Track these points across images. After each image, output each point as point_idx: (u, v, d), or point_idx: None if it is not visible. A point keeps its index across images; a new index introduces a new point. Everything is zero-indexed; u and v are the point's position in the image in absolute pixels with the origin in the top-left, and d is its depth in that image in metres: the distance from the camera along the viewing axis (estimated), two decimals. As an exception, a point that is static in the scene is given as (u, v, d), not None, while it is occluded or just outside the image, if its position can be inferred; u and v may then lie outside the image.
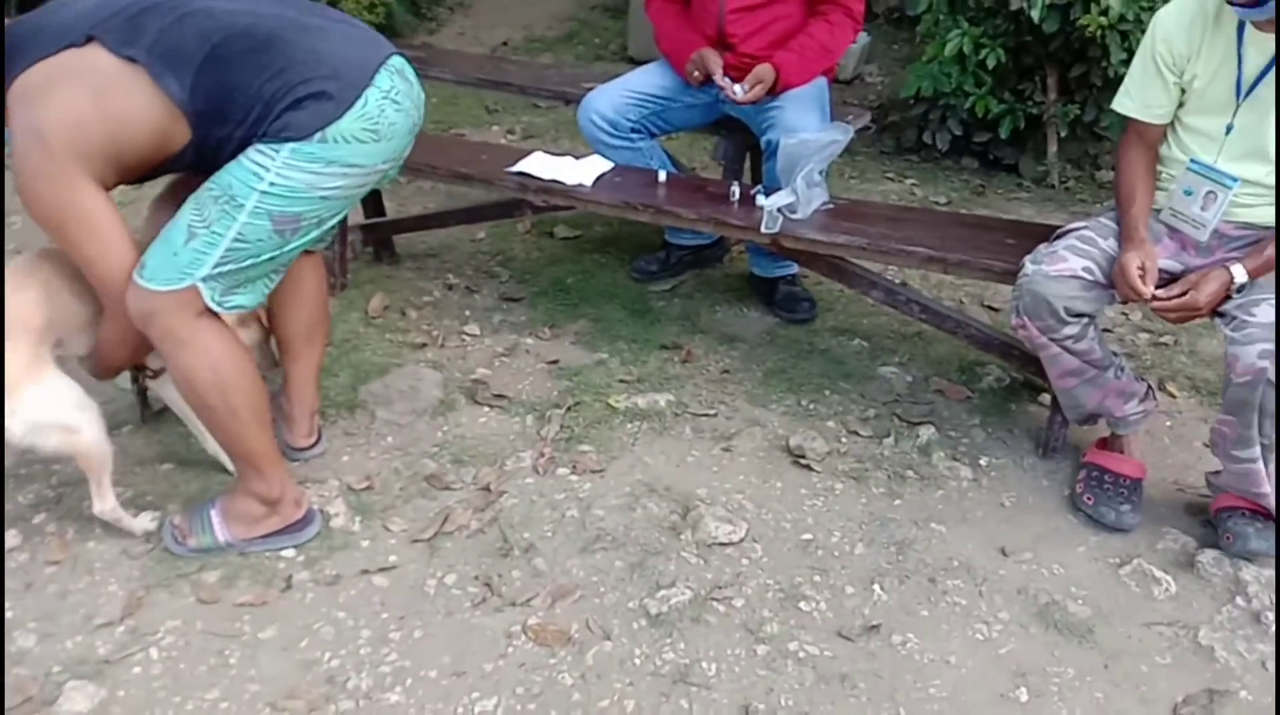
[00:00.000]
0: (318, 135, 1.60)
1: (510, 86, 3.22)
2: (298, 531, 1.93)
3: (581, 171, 2.55)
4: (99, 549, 1.92)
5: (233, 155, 1.63)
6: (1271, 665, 1.71)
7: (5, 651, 1.42)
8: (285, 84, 1.59)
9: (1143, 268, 1.87)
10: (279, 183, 1.61)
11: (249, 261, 1.68)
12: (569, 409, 2.40)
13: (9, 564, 1.87)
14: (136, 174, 1.69)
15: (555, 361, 2.61)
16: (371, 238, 3.02)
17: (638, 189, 2.51)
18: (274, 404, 2.06)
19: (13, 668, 1.66)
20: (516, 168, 2.59)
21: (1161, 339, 2.74)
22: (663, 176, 2.55)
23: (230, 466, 1.98)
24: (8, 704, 1.58)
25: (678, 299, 2.92)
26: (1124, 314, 2.85)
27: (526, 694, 1.65)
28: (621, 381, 2.52)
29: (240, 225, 1.63)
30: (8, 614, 1.76)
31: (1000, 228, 2.36)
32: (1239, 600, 1.84)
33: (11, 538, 1.92)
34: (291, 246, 1.72)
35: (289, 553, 1.92)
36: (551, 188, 2.52)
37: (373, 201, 3.01)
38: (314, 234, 1.75)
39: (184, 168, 1.73)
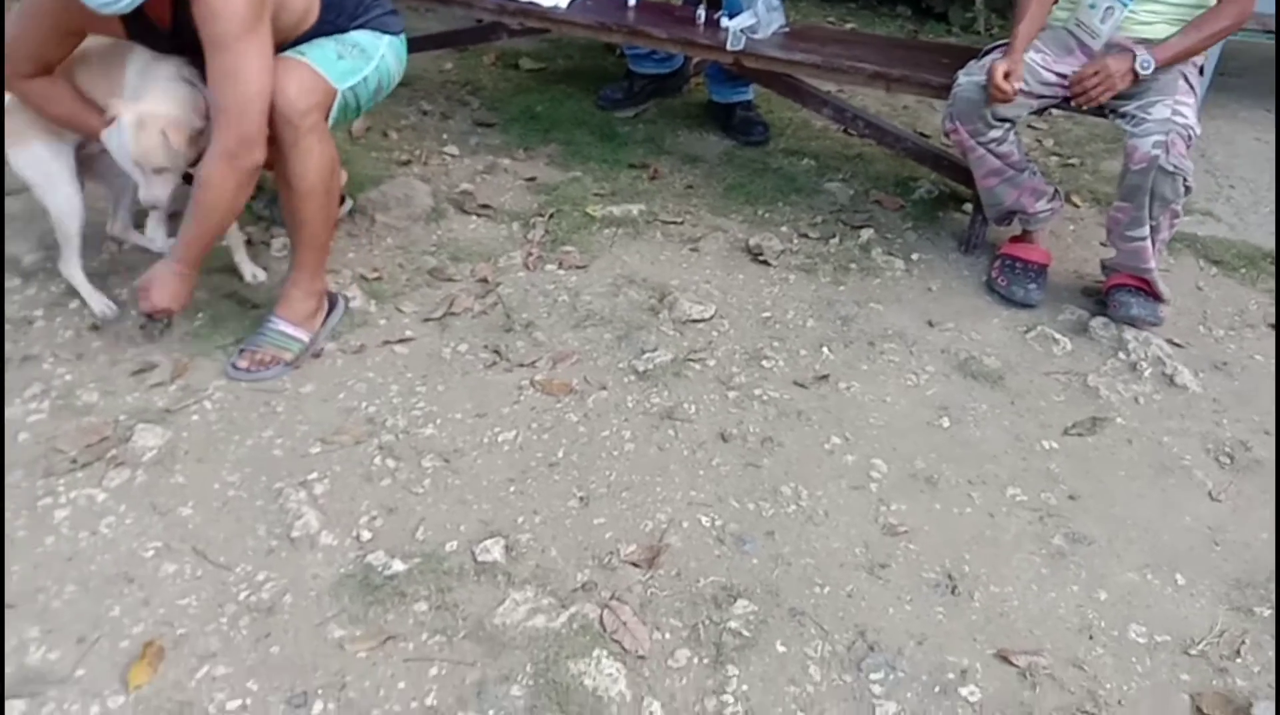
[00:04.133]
0: (401, 34, 2.16)
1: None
2: (334, 315, 2.17)
3: (556, -4, 2.73)
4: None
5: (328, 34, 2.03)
6: (1144, 400, 2.12)
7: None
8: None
9: (1008, 73, 2.16)
10: (387, 52, 2.10)
11: (369, 95, 2.09)
12: (550, 217, 2.65)
13: (54, 338, 2.07)
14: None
15: (533, 178, 2.83)
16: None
17: (610, 11, 2.70)
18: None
19: (82, 417, 1.89)
20: (496, -11, 2.75)
21: (1069, 161, 3.10)
22: (633, 0, 2.74)
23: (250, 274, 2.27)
24: (82, 445, 1.82)
25: (642, 125, 3.14)
26: (1038, 141, 3.19)
27: (540, 428, 1.95)
28: (596, 194, 2.77)
29: (375, 64, 2.07)
30: (66, 376, 1.98)
31: (938, 50, 2.65)
32: (1121, 355, 2.24)
33: (54, 313, 2.11)
34: (383, 97, 2.17)
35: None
36: (529, 10, 2.69)
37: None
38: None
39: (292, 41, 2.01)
